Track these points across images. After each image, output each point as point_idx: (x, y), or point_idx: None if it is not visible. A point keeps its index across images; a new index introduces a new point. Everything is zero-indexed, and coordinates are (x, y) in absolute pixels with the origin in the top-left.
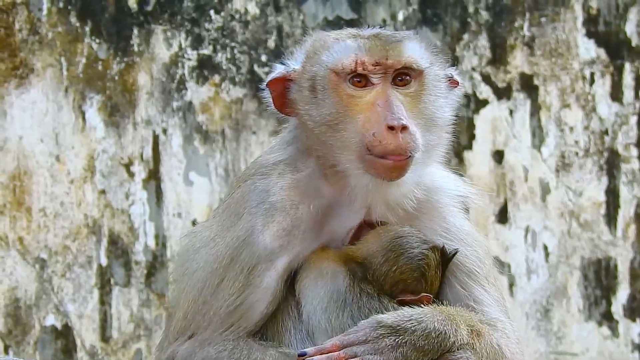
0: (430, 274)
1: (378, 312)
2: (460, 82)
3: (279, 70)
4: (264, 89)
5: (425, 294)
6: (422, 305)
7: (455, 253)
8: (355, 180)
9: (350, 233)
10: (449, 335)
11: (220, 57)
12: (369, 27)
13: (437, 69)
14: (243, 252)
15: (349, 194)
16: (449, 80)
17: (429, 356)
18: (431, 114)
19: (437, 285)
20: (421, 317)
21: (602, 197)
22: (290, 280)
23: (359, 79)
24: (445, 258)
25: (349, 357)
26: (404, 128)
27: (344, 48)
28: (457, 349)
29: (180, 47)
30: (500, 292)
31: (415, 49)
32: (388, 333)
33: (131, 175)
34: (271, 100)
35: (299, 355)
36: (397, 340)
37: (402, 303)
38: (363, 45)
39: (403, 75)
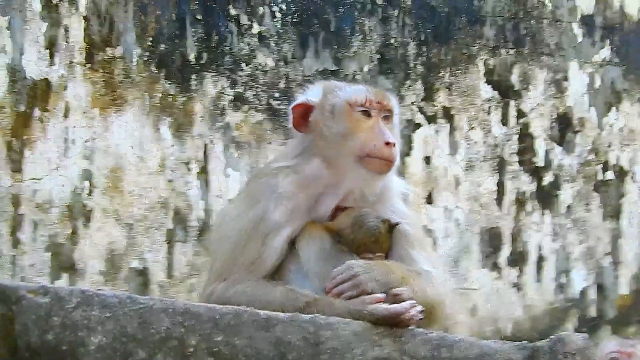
0: (382, 239)
1: None
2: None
3: (300, 99)
4: (287, 112)
5: (379, 254)
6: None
7: (397, 224)
8: (352, 173)
9: (330, 213)
10: (388, 277)
11: (248, 94)
12: (346, 76)
13: (398, 113)
14: (260, 225)
15: (343, 182)
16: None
17: (383, 289)
18: (396, 141)
19: (387, 246)
20: (371, 266)
21: (494, 188)
22: (293, 242)
23: (363, 110)
24: (391, 227)
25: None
26: (393, 145)
27: (357, 89)
28: (400, 286)
29: (222, 87)
30: (429, 252)
31: (394, 100)
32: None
33: (189, 170)
34: (292, 118)
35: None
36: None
37: (365, 259)
38: (370, 90)
39: (387, 114)
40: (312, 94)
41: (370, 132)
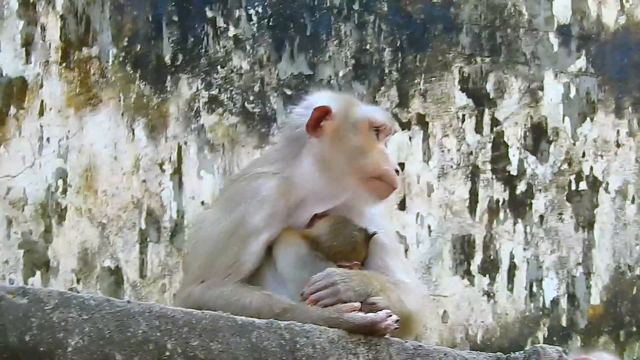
0: (359, 248)
1: None
2: None
3: (322, 102)
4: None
5: (356, 262)
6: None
7: (375, 233)
8: (354, 190)
9: (308, 220)
10: (365, 287)
11: (223, 96)
12: (321, 80)
13: None
14: (240, 229)
15: (337, 195)
16: None
17: (360, 298)
18: None
19: (364, 255)
20: (350, 275)
21: (467, 196)
22: (270, 247)
23: (376, 131)
24: (368, 236)
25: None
26: (398, 173)
27: (378, 109)
28: (376, 295)
29: (197, 89)
30: (404, 261)
31: None
32: (339, 279)
33: (163, 171)
34: (310, 119)
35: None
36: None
37: (341, 267)
38: (388, 115)
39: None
40: (327, 101)
41: (381, 155)
